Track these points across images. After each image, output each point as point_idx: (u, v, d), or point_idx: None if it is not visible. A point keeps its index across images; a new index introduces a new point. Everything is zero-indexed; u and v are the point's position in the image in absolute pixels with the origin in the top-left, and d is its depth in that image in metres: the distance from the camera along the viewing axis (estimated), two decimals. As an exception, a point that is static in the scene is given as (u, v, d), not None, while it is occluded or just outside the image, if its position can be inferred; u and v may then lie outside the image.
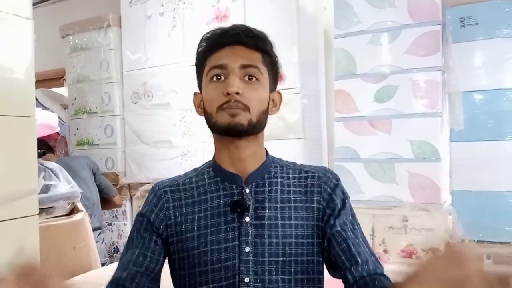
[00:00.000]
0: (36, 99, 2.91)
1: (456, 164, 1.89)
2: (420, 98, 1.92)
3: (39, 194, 1.72)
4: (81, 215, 1.82)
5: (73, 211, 1.85)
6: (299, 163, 1.00)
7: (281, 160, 0.99)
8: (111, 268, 1.87)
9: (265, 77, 0.90)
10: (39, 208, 1.73)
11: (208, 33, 0.93)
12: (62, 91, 3.23)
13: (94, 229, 2.21)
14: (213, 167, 0.95)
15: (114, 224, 2.82)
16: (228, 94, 0.85)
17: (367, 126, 2.01)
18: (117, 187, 2.79)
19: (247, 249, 0.87)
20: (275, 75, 0.96)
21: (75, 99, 2.98)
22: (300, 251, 0.88)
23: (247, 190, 0.90)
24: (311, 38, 2.29)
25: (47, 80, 3.36)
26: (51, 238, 1.70)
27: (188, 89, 2.52)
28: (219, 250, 0.87)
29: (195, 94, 0.97)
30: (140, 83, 2.71)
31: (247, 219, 0.88)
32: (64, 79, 3.08)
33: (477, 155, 1.84)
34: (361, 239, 0.91)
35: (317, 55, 2.37)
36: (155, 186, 0.96)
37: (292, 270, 0.87)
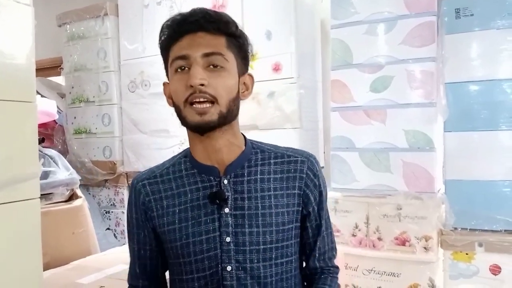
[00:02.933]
0: (34, 87, 2.92)
1: (449, 154, 1.92)
2: (415, 89, 1.94)
3: (38, 180, 1.75)
4: (80, 201, 1.85)
5: (72, 197, 1.87)
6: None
7: (261, 144, 0.98)
8: (110, 253, 1.91)
9: (231, 63, 0.88)
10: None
11: (168, 20, 0.89)
12: (59, 80, 3.23)
13: None
14: (190, 157, 0.94)
15: (112, 212, 2.84)
16: (192, 86, 0.82)
17: (363, 115, 2.03)
18: (115, 176, 2.81)
19: (228, 239, 0.88)
20: (244, 57, 0.94)
21: (72, 88, 2.99)
22: (281, 237, 0.91)
23: (225, 181, 0.91)
24: (308, 28, 2.31)
25: (44, 69, 3.35)
26: (50, 223, 1.73)
27: (185, 79, 2.54)
28: (200, 241, 0.89)
29: (164, 84, 0.94)
30: (138, 72, 2.72)
31: (226, 210, 0.89)
32: (61, 68, 3.08)
33: (470, 145, 1.87)
34: (329, 231, 1.00)
35: (314, 45, 2.39)
36: (134, 181, 0.97)
37: (273, 256, 0.90)
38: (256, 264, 0.89)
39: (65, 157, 2.73)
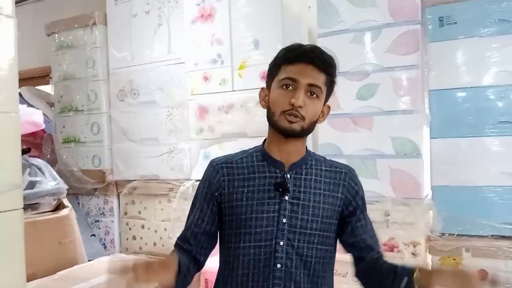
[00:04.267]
0: (22, 96, 2.91)
1: (436, 160, 1.94)
2: (401, 96, 1.96)
3: (24, 190, 1.74)
4: (67, 211, 1.84)
5: (59, 206, 1.86)
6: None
7: (315, 154, 1.23)
8: (97, 263, 1.90)
9: (323, 95, 1.12)
10: (25, 204, 1.75)
11: (290, 45, 1.15)
12: (48, 89, 3.22)
13: None
14: (262, 152, 1.18)
15: (102, 221, 2.83)
16: (292, 104, 1.06)
17: (350, 123, 2.05)
18: (104, 185, 2.80)
19: (284, 220, 1.10)
20: (330, 92, 1.17)
21: (61, 97, 2.98)
22: (324, 227, 1.13)
23: (288, 175, 1.13)
24: (295, 36, 2.31)
25: (33, 78, 3.35)
26: (37, 233, 1.72)
27: (174, 87, 2.55)
28: (262, 218, 1.11)
29: (262, 88, 1.18)
30: (126, 81, 2.72)
31: (286, 197, 1.12)
32: (50, 77, 3.07)
33: (456, 151, 1.89)
34: (374, 230, 1.22)
35: (301, 53, 2.40)
36: (213, 162, 1.20)
37: (315, 241, 1.12)
38: (302, 244, 1.10)
39: (54, 166, 2.73)
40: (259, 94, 1.19)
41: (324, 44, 2.10)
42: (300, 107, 1.07)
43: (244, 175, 1.15)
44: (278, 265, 1.10)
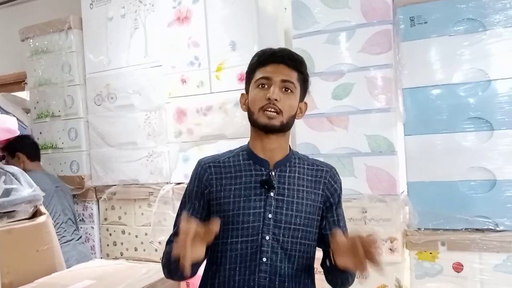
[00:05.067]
0: (-4, 103, 2.86)
1: (410, 157, 1.97)
2: (375, 95, 2.00)
3: (0, 198, 1.71)
4: (44, 218, 1.81)
5: (36, 214, 1.83)
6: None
7: (298, 153, 1.29)
8: (75, 269, 1.88)
9: (297, 91, 1.19)
10: (1, 212, 1.72)
11: (260, 51, 1.23)
12: (24, 95, 3.17)
13: None
14: (247, 151, 1.23)
15: (81, 228, 2.79)
16: (269, 99, 1.13)
17: (326, 122, 2.08)
18: (83, 191, 2.78)
19: (269, 215, 1.16)
20: (305, 89, 1.24)
21: (37, 102, 2.94)
22: (307, 223, 1.19)
23: (273, 173, 1.19)
24: (271, 38, 2.35)
25: (8, 84, 3.30)
26: (13, 241, 1.69)
27: (151, 90, 2.55)
28: (248, 214, 1.16)
29: (242, 94, 1.25)
30: (103, 85, 2.71)
31: (272, 194, 1.17)
32: (25, 83, 3.03)
33: (430, 147, 1.93)
34: (346, 227, 1.28)
35: (278, 55, 2.42)
36: (201, 162, 1.25)
37: (299, 235, 1.17)
38: (286, 239, 1.16)
39: (31, 174, 2.68)
40: (240, 100, 1.26)
41: (299, 45, 2.13)
42: (276, 100, 1.13)
43: (231, 173, 1.20)
44: (264, 259, 1.15)
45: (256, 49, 2.22)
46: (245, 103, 1.23)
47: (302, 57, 1.24)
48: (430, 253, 1.94)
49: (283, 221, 1.16)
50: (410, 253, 1.99)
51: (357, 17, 2.01)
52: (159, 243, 2.53)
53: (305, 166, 1.24)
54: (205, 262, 1.24)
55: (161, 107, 2.51)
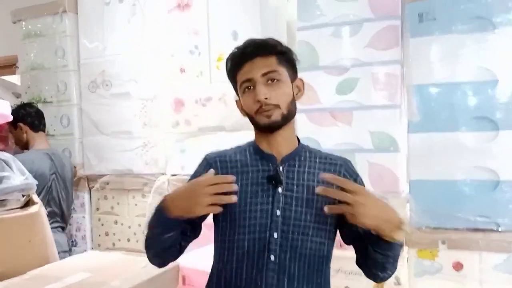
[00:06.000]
0: (-14, 87, 2.76)
1: (413, 155, 1.96)
2: (380, 91, 1.97)
3: (-10, 186, 1.64)
4: (37, 207, 1.75)
5: (28, 203, 1.77)
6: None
7: (308, 146, 1.22)
8: (69, 261, 1.82)
9: (283, 75, 1.12)
10: (-9, 201, 1.66)
11: (230, 54, 1.16)
12: (15, 79, 3.07)
13: None
14: (254, 147, 1.19)
15: (72, 217, 2.73)
16: (259, 100, 1.08)
17: (329, 117, 2.05)
18: (75, 179, 2.71)
19: (277, 212, 1.10)
20: (292, 66, 1.16)
21: (29, 87, 2.85)
22: (318, 219, 1.12)
23: (281, 168, 1.14)
24: (274, 29, 2.30)
25: (-2, 67, 3.19)
26: (5, 231, 1.63)
27: (148, 78, 2.48)
28: (255, 210, 1.11)
29: (236, 101, 1.21)
30: (98, 71, 2.63)
31: (279, 190, 1.12)
32: (17, 67, 2.94)
33: (432, 146, 1.91)
34: None
35: (280, 46, 2.38)
36: (207, 156, 1.21)
37: (310, 233, 1.11)
38: (296, 236, 1.10)
39: (21, 161, 2.60)
40: (237, 106, 1.21)
41: (303, 37, 2.09)
42: (266, 99, 1.08)
43: (238, 168, 1.16)
44: (272, 257, 1.10)
45: (259, 40, 2.18)
46: (242, 109, 1.19)
47: (271, 38, 1.16)
48: (430, 252, 1.93)
49: (292, 218, 1.11)
50: (409, 251, 1.97)
51: (365, 11, 1.97)
52: (153, 235, 2.48)
53: (317, 160, 1.17)
54: (212, 260, 1.21)
55: (158, 96, 2.45)
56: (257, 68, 1.09)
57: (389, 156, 1.96)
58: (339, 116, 2.03)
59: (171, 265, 1.59)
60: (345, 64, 2.01)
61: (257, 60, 1.10)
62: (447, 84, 1.90)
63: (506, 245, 1.82)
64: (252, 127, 2.34)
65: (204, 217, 1.15)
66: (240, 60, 1.13)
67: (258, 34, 2.17)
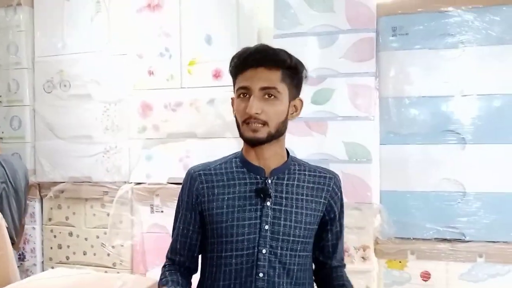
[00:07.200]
0: None
1: (384, 166, 2.00)
2: (355, 102, 1.99)
3: None
4: (-6, 220, 1.57)
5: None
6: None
7: (298, 159, 1.20)
8: (36, 281, 1.63)
9: (283, 93, 1.06)
10: None
11: (237, 52, 1.09)
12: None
13: None
14: (241, 158, 1.14)
15: (20, 228, 2.50)
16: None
17: (304, 127, 2.04)
18: (25, 186, 2.49)
19: (266, 227, 1.08)
20: (297, 84, 1.11)
21: (-25, 85, 2.60)
22: (306, 234, 1.11)
23: (269, 181, 1.10)
24: (249, 35, 2.25)
25: None
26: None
27: (112, 80, 2.35)
28: (243, 225, 1.07)
29: (232, 99, 1.14)
30: (56, 71, 2.46)
31: (268, 203, 1.08)
32: (-38, 62, 2.66)
33: (404, 158, 1.96)
34: (343, 239, 1.23)
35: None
36: (191, 170, 1.16)
37: (298, 248, 1.10)
38: (285, 252, 1.08)
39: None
40: (231, 104, 1.15)
41: (279, 45, 2.05)
42: (257, 113, 1.03)
43: (224, 181, 1.12)
44: (261, 274, 1.07)
45: (233, 45, 2.13)
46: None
47: (284, 51, 1.09)
48: (400, 262, 1.97)
49: (281, 233, 1.08)
50: (379, 262, 2.00)
51: (342, 22, 1.99)
52: (113, 247, 2.33)
53: (306, 173, 1.15)
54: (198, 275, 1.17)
55: (123, 99, 2.32)
56: (258, 79, 1.04)
57: (362, 167, 1.99)
58: (314, 126, 2.03)
59: (152, 282, 1.49)
60: (321, 74, 2.02)
61: (260, 70, 1.05)
62: (418, 98, 1.96)
63: (471, 255, 1.89)
64: (225, 134, 2.32)
65: (200, 235, 1.16)
66: (244, 65, 1.07)
67: (233, 39, 2.13)
